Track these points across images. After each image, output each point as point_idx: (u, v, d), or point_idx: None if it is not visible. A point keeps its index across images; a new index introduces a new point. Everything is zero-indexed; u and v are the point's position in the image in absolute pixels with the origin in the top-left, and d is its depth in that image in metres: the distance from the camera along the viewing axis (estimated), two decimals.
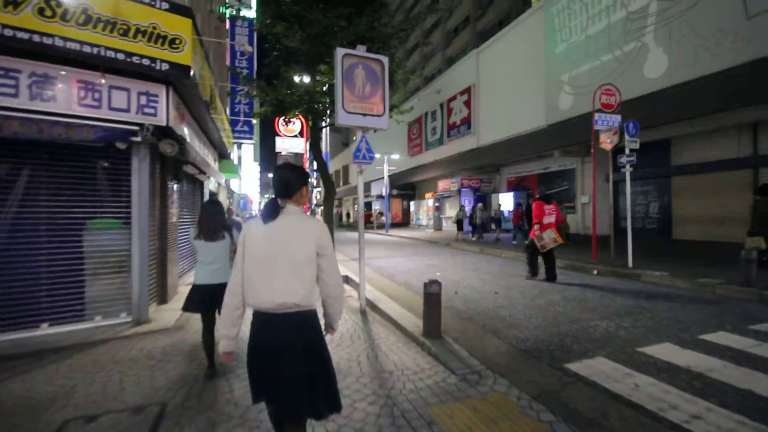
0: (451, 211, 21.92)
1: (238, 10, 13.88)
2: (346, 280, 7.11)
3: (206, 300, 3.26)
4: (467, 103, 19.98)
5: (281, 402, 1.73)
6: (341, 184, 41.03)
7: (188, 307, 3.31)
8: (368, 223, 28.41)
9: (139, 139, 4.56)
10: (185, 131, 5.95)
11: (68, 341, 4.18)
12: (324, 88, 7.45)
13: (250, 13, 13.82)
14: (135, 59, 4.31)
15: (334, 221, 8.57)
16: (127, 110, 4.55)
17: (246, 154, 26.58)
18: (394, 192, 28.22)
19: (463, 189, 20.07)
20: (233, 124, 12.76)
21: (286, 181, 1.86)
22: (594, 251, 8.53)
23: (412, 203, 28.75)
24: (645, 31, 11.17)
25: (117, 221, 4.85)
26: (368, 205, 32.31)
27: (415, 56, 38.43)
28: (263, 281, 1.72)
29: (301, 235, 1.79)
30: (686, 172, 11.59)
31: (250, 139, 13.82)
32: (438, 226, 22.34)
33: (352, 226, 31.88)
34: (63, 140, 3.95)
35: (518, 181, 18.32)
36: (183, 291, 6.49)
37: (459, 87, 20.72)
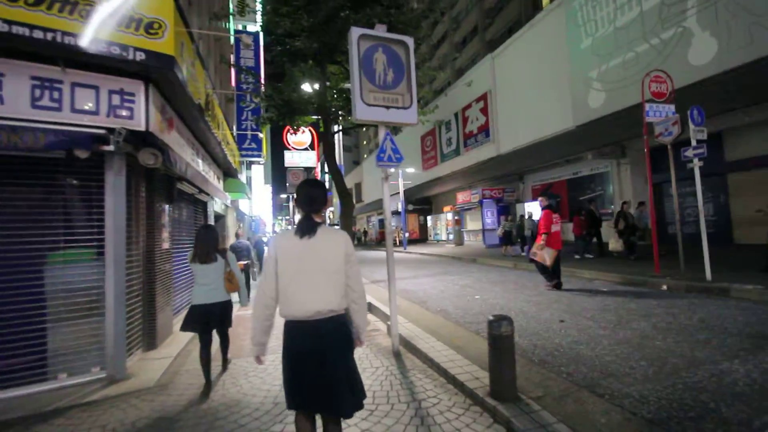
0: (472, 224, 20.68)
1: (244, 27, 13.32)
2: (370, 307, 6.01)
3: (203, 320, 3.44)
4: (484, 110, 18.98)
5: (326, 401, 1.77)
6: (354, 202, 40.22)
7: (186, 327, 3.48)
8: (383, 241, 27.26)
9: (111, 147, 3.65)
10: (176, 141, 5.06)
11: (18, 411, 3.19)
12: (335, 89, 6.54)
13: (255, 27, 13.27)
14: (101, 47, 3.44)
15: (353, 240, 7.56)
16: (96, 112, 3.66)
17: (256, 176, 26.01)
18: (410, 207, 27.12)
19: (484, 200, 18.88)
20: (240, 141, 12.00)
21: (314, 197, 1.94)
22: (657, 262, 7.23)
23: (428, 218, 27.60)
24: (686, 15, 10.08)
25: (89, 251, 3.91)
26: (381, 222, 31.20)
27: (425, 69, 37.94)
28: (301, 292, 1.81)
29: (332, 246, 1.88)
30: (744, 167, 10.24)
31: (259, 156, 12.99)
32: (459, 241, 21.06)
33: (367, 245, 30.71)
34: (5, 150, 3.05)
35: (544, 188, 17.07)
36: (178, 330, 5.49)
37: (474, 94, 19.78)
